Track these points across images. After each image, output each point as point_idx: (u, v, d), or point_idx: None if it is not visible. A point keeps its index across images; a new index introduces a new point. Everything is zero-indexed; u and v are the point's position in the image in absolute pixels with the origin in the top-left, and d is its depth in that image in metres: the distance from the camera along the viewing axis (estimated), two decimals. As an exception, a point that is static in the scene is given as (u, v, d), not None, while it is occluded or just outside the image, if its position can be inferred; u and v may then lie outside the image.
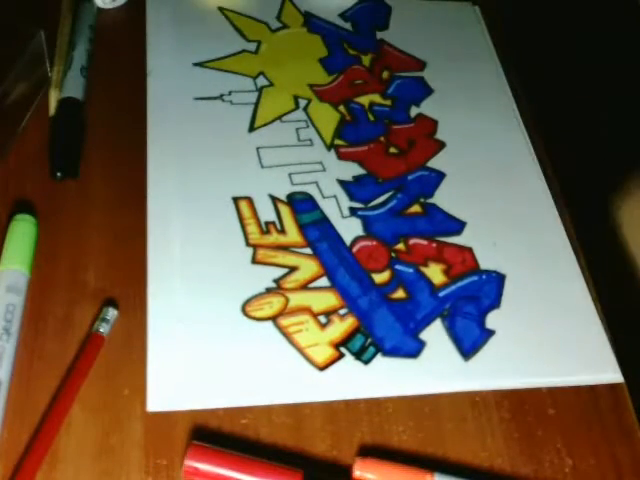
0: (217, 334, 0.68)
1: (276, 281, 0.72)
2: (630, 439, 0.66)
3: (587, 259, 0.76)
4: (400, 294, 0.72)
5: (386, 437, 0.64)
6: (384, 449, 0.64)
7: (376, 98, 0.87)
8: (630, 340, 0.74)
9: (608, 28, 0.92)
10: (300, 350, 0.68)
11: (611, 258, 0.80)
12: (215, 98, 0.84)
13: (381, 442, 0.64)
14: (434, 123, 0.86)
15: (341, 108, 0.86)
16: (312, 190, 0.78)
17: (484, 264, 0.75)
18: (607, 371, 0.69)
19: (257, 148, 0.81)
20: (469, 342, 0.70)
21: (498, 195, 0.80)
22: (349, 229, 0.76)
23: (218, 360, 0.67)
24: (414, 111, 0.86)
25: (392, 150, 0.83)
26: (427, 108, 0.87)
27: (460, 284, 0.74)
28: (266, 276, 0.72)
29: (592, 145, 0.84)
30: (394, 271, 0.73)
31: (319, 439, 0.64)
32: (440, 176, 0.81)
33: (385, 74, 0.89)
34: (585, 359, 0.70)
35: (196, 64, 0.87)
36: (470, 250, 0.76)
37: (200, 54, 0.88)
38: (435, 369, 0.68)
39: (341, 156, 0.81)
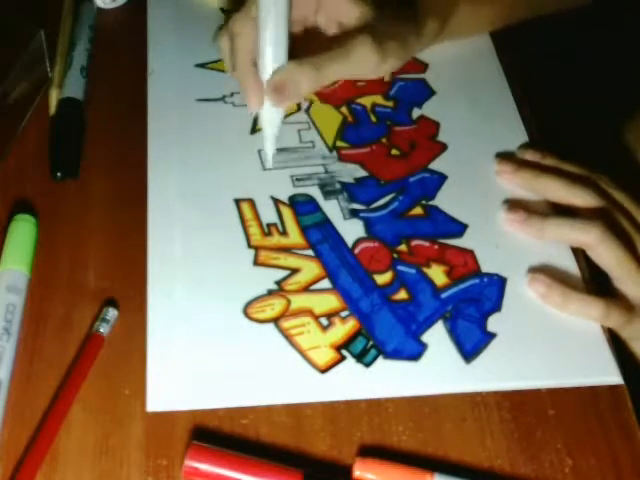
0: (218, 335, 0.68)
1: (278, 283, 0.72)
2: (630, 439, 0.66)
3: (587, 261, 0.76)
4: (402, 295, 0.72)
5: (386, 437, 0.64)
6: (384, 449, 0.63)
7: (378, 99, 0.87)
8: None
9: (608, 29, 0.92)
10: (301, 352, 0.68)
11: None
12: (217, 100, 0.84)
13: (381, 442, 0.64)
14: (436, 125, 0.85)
15: (343, 109, 0.85)
16: (314, 192, 0.78)
17: (485, 267, 0.75)
18: (607, 374, 0.69)
19: (259, 150, 0.81)
20: (470, 345, 0.70)
21: (499, 198, 0.80)
22: (351, 231, 0.76)
23: (219, 361, 0.67)
24: (416, 113, 0.86)
25: (394, 152, 0.82)
26: (429, 110, 0.87)
27: (462, 286, 0.73)
28: (268, 278, 0.72)
29: (593, 145, 0.84)
30: (396, 272, 0.73)
31: (319, 439, 0.64)
32: (442, 178, 0.81)
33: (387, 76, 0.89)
34: (585, 362, 0.69)
35: (198, 65, 0.87)
36: (471, 252, 0.76)
37: (202, 55, 0.88)
38: (436, 372, 0.68)
39: (343, 158, 0.81)
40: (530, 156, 0.80)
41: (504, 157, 0.81)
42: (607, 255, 0.71)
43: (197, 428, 0.63)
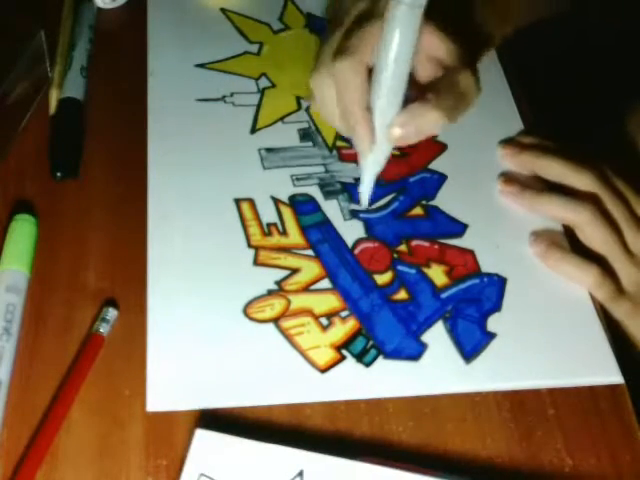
0: (218, 335, 0.68)
1: (278, 283, 0.72)
2: (630, 439, 0.66)
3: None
4: (402, 295, 0.72)
5: (386, 437, 0.64)
6: (384, 449, 0.63)
7: (378, 99, 0.87)
8: (630, 341, 0.74)
9: (608, 28, 0.92)
10: (301, 352, 0.68)
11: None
12: (217, 99, 0.84)
13: (381, 442, 0.64)
14: (436, 125, 0.85)
15: (343, 109, 0.85)
16: (314, 192, 0.78)
17: (485, 267, 0.75)
18: (607, 374, 0.69)
19: (259, 150, 0.81)
20: (470, 345, 0.70)
21: (499, 198, 0.80)
22: (351, 231, 0.76)
23: (219, 361, 0.67)
24: (416, 113, 0.86)
25: (394, 152, 0.82)
26: (429, 110, 0.87)
27: (462, 286, 0.73)
28: (268, 278, 0.72)
29: (593, 145, 0.84)
30: (396, 272, 0.73)
31: (319, 439, 0.63)
32: (442, 178, 0.81)
33: (387, 75, 0.89)
34: (586, 362, 0.70)
35: (198, 65, 0.87)
36: (472, 253, 0.76)
37: (202, 55, 0.88)
38: (436, 372, 0.68)
39: (343, 157, 0.81)
40: (531, 140, 0.81)
41: (507, 141, 0.83)
42: (594, 236, 0.73)
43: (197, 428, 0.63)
